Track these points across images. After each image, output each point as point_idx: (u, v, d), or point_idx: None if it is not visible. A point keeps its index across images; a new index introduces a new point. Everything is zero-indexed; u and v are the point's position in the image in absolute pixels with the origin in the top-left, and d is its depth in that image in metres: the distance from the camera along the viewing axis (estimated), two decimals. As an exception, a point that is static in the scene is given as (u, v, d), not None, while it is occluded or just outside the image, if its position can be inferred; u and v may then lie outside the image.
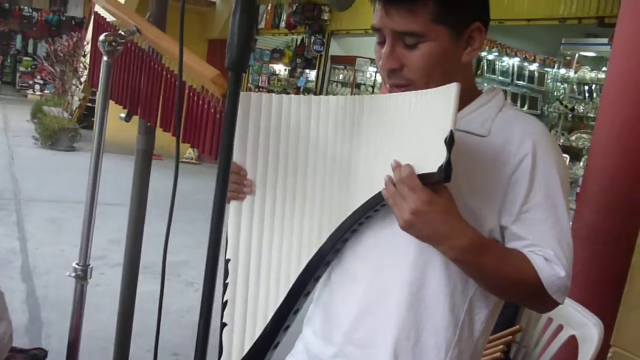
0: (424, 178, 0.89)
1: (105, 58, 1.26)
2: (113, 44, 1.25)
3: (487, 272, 0.97)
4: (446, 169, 0.85)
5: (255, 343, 1.11)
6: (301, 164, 1.08)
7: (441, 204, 0.90)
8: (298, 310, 1.11)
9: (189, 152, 8.75)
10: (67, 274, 1.37)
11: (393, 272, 1.03)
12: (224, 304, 1.13)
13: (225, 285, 1.13)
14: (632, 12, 2.44)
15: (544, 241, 0.98)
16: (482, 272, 0.98)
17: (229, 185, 1.06)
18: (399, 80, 1.01)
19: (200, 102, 1.18)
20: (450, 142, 0.84)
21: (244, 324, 1.12)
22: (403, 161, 0.91)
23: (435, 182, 0.89)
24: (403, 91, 0.99)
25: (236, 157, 1.09)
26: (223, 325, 1.13)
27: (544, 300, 0.98)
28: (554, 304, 0.99)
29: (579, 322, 1.61)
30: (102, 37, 1.25)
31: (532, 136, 1.00)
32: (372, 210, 1.00)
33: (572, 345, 1.59)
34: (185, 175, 7.37)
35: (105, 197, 4.46)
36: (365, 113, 1.02)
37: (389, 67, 1.00)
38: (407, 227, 0.92)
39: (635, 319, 1.32)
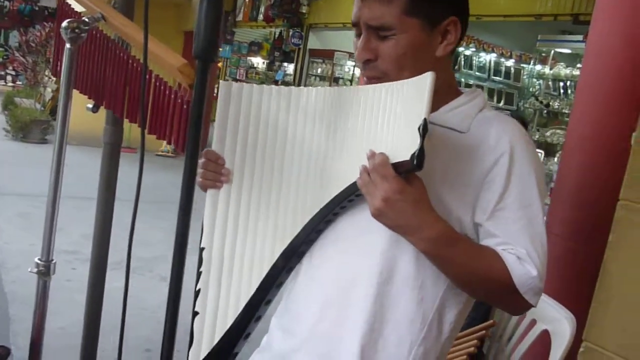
0: (398, 167, 0.90)
1: (68, 45, 1.22)
2: (76, 30, 1.20)
3: (457, 266, 0.97)
4: (419, 156, 0.85)
5: (226, 333, 1.10)
6: (279, 154, 1.08)
7: (412, 194, 0.91)
8: (270, 301, 1.11)
9: (164, 145, 8.64)
10: (29, 269, 1.32)
11: (362, 263, 1.03)
12: (197, 293, 1.12)
13: (198, 274, 1.12)
14: (605, 10, 2.45)
15: (516, 240, 0.98)
16: (451, 266, 0.98)
17: (207, 173, 1.08)
18: (374, 72, 1.03)
19: (167, 92, 1.15)
20: (424, 129, 0.85)
21: (215, 313, 1.11)
22: (378, 151, 0.92)
23: (408, 170, 0.89)
24: (377, 83, 1.00)
25: (215, 146, 1.09)
26: (195, 314, 1.12)
27: (515, 300, 0.98)
28: (526, 305, 0.99)
29: (552, 316, 1.62)
30: (64, 24, 1.21)
31: (509, 136, 1.01)
32: (346, 200, 1.00)
33: (545, 339, 1.60)
34: (160, 169, 7.28)
35: (80, 191, 4.40)
36: (344, 104, 1.02)
37: (364, 57, 1.02)
38: (378, 215, 0.92)
39: (606, 314, 1.32)
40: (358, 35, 1.04)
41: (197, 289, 1.12)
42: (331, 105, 1.04)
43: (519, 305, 0.99)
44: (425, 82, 0.87)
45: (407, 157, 0.87)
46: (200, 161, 1.09)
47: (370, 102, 0.98)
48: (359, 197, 0.98)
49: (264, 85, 1.11)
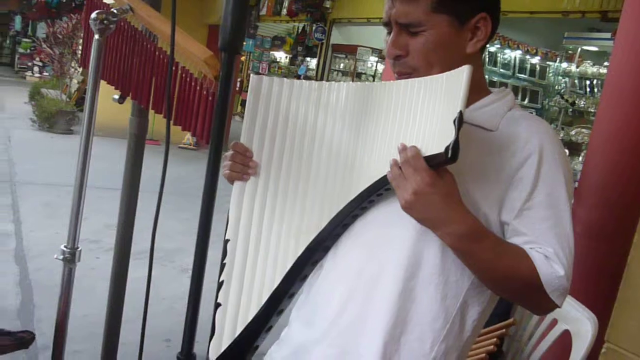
0: (430, 160, 0.89)
1: (96, 36, 1.24)
2: (105, 22, 1.22)
3: (484, 262, 0.96)
4: (454, 148, 0.85)
5: (247, 325, 1.10)
6: (307, 148, 1.08)
7: (443, 187, 0.91)
8: (293, 294, 1.11)
9: (187, 137, 8.71)
10: (55, 256, 1.35)
11: (388, 258, 1.02)
12: (220, 284, 1.13)
13: (222, 266, 1.13)
14: (634, 7, 2.41)
15: (544, 239, 0.97)
16: (478, 262, 0.97)
17: (234, 165, 1.10)
18: (404, 68, 1.04)
19: (193, 83, 1.16)
20: (459, 122, 0.85)
21: (238, 305, 1.12)
22: (410, 144, 0.92)
23: (441, 163, 0.89)
24: (407, 78, 1.01)
25: (244, 139, 1.10)
26: (217, 305, 1.13)
27: (541, 300, 0.97)
28: (551, 305, 0.98)
29: (573, 316, 1.60)
30: (93, 15, 1.22)
31: (539, 136, 1.01)
32: (375, 194, 1.00)
33: (565, 339, 1.58)
34: (182, 162, 7.35)
35: (103, 181, 4.46)
36: (374, 100, 1.03)
37: (394, 54, 1.03)
38: (408, 207, 0.92)
39: (630, 315, 1.30)
40: (389, 34, 1.05)
41: (220, 280, 1.12)
42: (361, 101, 1.04)
43: (545, 305, 0.98)
44: (461, 75, 0.87)
45: (439, 150, 0.87)
46: (228, 153, 1.10)
47: (402, 97, 0.98)
48: (387, 191, 0.98)
49: (295, 80, 1.12)
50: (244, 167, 1.11)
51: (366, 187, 1.00)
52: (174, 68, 1.17)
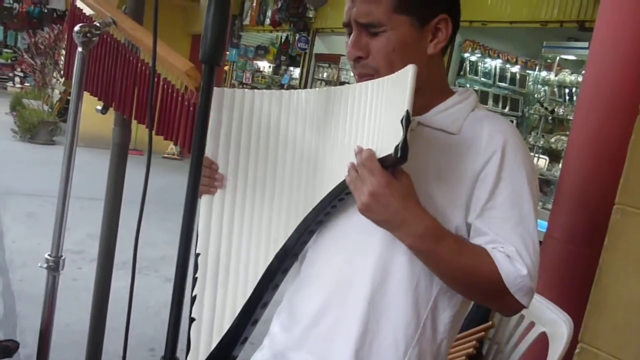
0: (384, 161, 0.90)
1: (79, 49, 1.26)
2: (88, 34, 1.24)
3: (445, 262, 0.96)
4: (402, 148, 0.85)
5: (223, 338, 1.10)
6: (272, 157, 1.09)
7: (399, 188, 0.91)
8: (266, 303, 1.11)
9: (170, 147, 8.69)
10: (39, 265, 1.36)
11: (357, 264, 1.03)
12: (193, 299, 1.13)
13: (194, 280, 1.13)
14: (608, 18, 2.48)
15: (506, 238, 0.97)
16: (439, 262, 0.97)
17: (201, 179, 1.07)
18: (365, 69, 1.03)
19: (174, 94, 1.18)
20: (406, 121, 0.85)
21: (212, 318, 1.12)
22: (366, 147, 0.92)
23: (393, 164, 0.89)
24: (368, 80, 1.00)
25: (208, 151, 1.09)
26: (191, 320, 1.13)
27: (506, 300, 0.96)
28: (517, 306, 0.97)
29: (550, 319, 1.64)
30: (77, 28, 1.24)
31: (501, 135, 1.00)
32: (336, 199, 1.00)
33: (542, 341, 1.62)
34: (166, 171, 7.31)
35: (86, 191, 4.44)
36: (332, 104, 1.03)
37: (354, 55, 1.02)
38: (365, 210, 0.92)
39: (601, 316, 1.34)
40: (349, 35, 1.05)
41: (193, 295, 1.12)
42: (320, 106, 1.04)
43: (510, 305, 0.97)
44: (406, 75, 0.87)
45: (390, 151, 0.87)
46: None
47: (356, 99, 0.98)
48: (349, 195, 0.98)
49: (255, 90, 1.12)
50: (211, 180, 1.10)
51: (327, 193, 1.00)
52: (155, 80, 1.19)
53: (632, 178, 1.33)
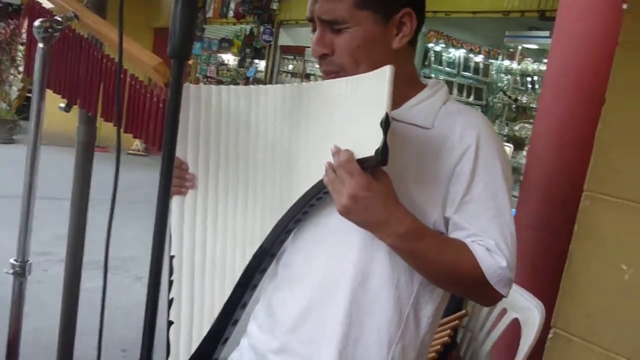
0: (363, 162, 0.89)
1: (40, 45, 1.21)
2: (49, 30, 1.19)
3: (426, 260, 0.96)
4: (383, 152, 0.84)
5: (203, 340, 1.08)
6: (243, 156, 1.06)
7: (380, 189, 0.90)
8: (245, 304, 1.10)
9: (135, 143, 8.54)
10: (5, 271, 1.31)
11: (337, 265, 1.02)
12: (170, 302, 1.10)
13: (170, 283, 1.10)
14: (569, 7, 2.52)
15: (485, 231, 0.97)
16: (421, 260, 0.97)
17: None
18: (330, 66, 1.02)
19: (143, 90, 1.14)
20: (386, 125, 0.84)
21: (190, 321, 1.10)
22: (343, 147, 0.91)
23: (373, 166, 0.89)
24: (334, 77, 1.00)
25: (177, 151, 1.06)
26: (170, 323, 1.10)
27: (486, 291, 0.97)
28: (497, 296, 0.98)
29: (522, 305, 1.67)
30: (37, 23, 1.20)
31: (475, 128, 1.01)
32: (314, 198, 0.99)
33: (515, 327, 1.65)
34: (132, 168, 7.19)
35: (51, 191, 4.32)
36: (305, 101, 1.01)
37: (319, 52, 1.01)
38: (345, 212, 0.91)
39: (572, 301, 1.37)
40: (314, 31, 1.03)
41: (169, 298, 1.10)
42: (293, 103, 1.02)
43: (490, 296, 0.98)
44: (384, 75, 0.86)
45: (370, 153, 0.86)
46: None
47: (331, 97, 0.97)
48: (327, 194, 0.97)
49: (222, 86, 1.09)
50: (181, 180, 1.08)
51: (304, 192, 0.99)
52: (122, 75, 1.16)
53: (600, 165, 1.35)
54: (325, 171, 0.92)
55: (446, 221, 1.01)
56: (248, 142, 1.06)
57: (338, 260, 1.02)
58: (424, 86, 1.08)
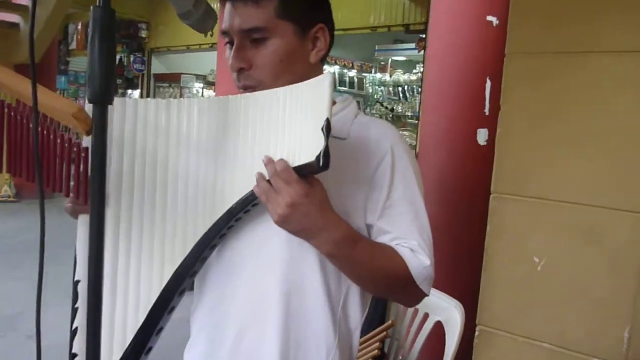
0: (300, 170, 0.88)
1: None
2: None
3: (360, 265, 0.98)
4: (325, 156, 0.85)
5: None
6: (160, 172, 1.00)
7: (317, 197, 0.91)
8: (162, 329, 1.03)
9: (4, 189, 7.84)
10: None
11: (268, 276, 1.01)
12: (73, 332, 1.02)
13: (74, 311, 1.02)
14: (438, 22, 2.71)
15: (407, 233, 1.01)
16: (355, 265, 0.99)
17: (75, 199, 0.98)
18: (248, 81, 1.01)
19: (52, 136, 1.05)
20: (327, 129, 0.84)
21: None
22: (275, 156, 0.90)
23: (312, 172, 0.89)
24: (251, 92, 0.98)
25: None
26: (73, 356, 1.02)
27: (412, 291, 1.01)
28: (421, 295, 1.03)
29: (442, 307, 1.74)
30: None
31: (389, 138, 1.05)
32: (242, 211, 0.96)
33: (439, 329, 1.72)
34: (4, 216, 6.60)
35: None
36: (231, 114, 0.98)
37: (237, 66, 1.01)
38: (282, 221, 0.90)
39: (492, 297, 1.46)
40: (229, 44, 1.03)
41: (73, 327, 1.02)
42: (216, 117, 0.99)
43: (416, 295, 1.02)
44: (324, 83, 0.87)
45: (308, 159, 0.86)
46: (71, 184, 0.98)
47: (261, 109, 0.95)
48: (255, 207, 0.95)
49: (139, 99, 1.03)
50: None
51: (232, 205, 0.96)
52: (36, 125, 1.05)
53: (504, 167, 1.46)
54: (256, 182, 0.91)
55: (369, 227, 1.04)
56: (167, 158, 1.00)
57: (267, 275, 1.01)
58: (334, 102, 1.11)
